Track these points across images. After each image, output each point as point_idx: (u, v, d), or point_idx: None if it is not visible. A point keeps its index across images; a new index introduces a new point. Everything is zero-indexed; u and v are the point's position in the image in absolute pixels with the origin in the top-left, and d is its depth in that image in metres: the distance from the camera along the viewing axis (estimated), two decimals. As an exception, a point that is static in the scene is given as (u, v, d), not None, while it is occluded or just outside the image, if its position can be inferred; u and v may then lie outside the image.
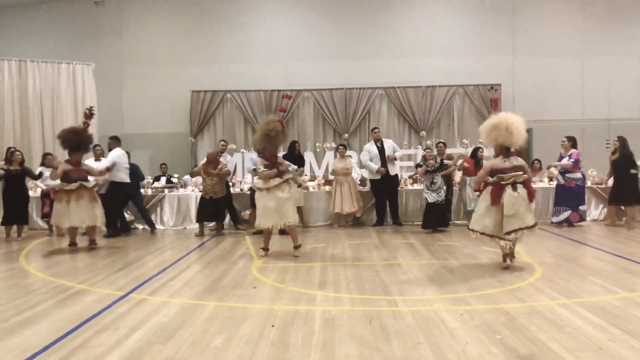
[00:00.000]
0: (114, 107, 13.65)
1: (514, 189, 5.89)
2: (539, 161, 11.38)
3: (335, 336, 3.80)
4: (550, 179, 10.42)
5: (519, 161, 6.07)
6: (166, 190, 10.57)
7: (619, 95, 13.34)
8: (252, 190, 9.36)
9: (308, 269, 6.24)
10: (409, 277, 5.65)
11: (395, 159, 10.03)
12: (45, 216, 9.68)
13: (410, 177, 10.71)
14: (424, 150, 9.65)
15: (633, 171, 9.29)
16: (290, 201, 6.88)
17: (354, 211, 9.91)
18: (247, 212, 9.85)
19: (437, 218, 8.96)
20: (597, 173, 10.68)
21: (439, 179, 8.91)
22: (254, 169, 8.02)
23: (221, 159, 9.70)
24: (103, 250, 7.98)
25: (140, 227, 10.18)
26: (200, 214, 9.37)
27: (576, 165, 9.33)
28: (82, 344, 3.75)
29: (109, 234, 9.15)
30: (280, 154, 7.85)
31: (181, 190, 10.72)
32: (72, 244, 7.98)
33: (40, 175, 9.63)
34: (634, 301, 4.55)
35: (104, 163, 9.08)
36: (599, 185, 10.28)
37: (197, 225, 9.56)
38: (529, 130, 13.27)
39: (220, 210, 9.45)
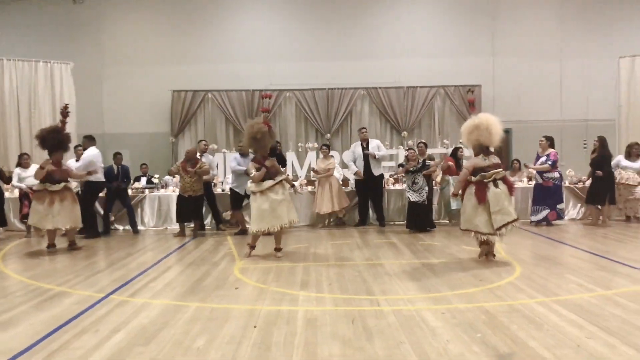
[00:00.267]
0: (94, 107, 13.49)
1: (496, 185, 6.24)
2: (519, 161, 11.54)
3: (318, 336, 3.81)
4: (530, 179, 10.56)
5: (497, 159, 6.41)
6: (147, 191, 10.47)
7: (596, 96, 13.58)
8: (232, 191, 9.34)
9: (290, 269, 6.24)
10: (391, 277, 5.68)
11: (375, 156, 9.88)
12: (25, 217, 9.44)
13: (390, 176, 10.76)
14: (407, 150, 9.68)
15: (599, 172, 9.43)
16: (284, 203, 6.87)
17: (335, 211, 9.92)
18: (228, 212, 9.82)
19: (419, 217, 9.03)
20: (575, 173, 10.86)
21: (420, 179, 8.99)
22: (245, 172, 8.01)
23: (203, 159, 9.65)
24: (83, 251, 7.87)
25: (121, 228, 10.08)
26: (180, 213, 9.30)
27: (554, 166, 9.47)
28: (62, 346, 3.71)
29: (88, 235, 9.04)
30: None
31: (162, 190, 10.62)
32: (51, 245, 7.84)
33: (10, 179, 9.43)
34: (610, 299, 4.64)
35: (79, 162, 8.93)
36: (577, 185, 10.45)
37: (178, 226, 9.48)
38: (508, 131, 13.58)
39: (199, 208, 9.37)
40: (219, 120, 13.79)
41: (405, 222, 9.37)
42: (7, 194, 9.71)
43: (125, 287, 5.46)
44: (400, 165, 9.43)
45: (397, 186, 10.51)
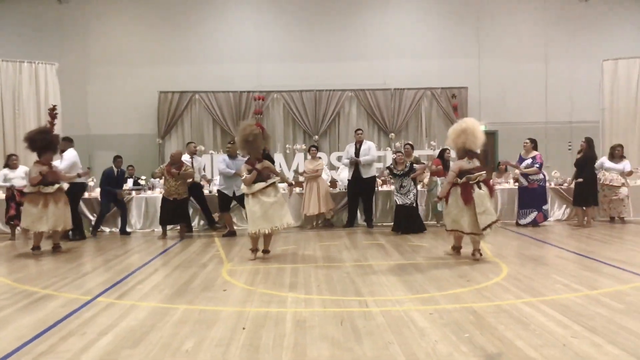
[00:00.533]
0: (79, 108, 13.37)
1: (479, 187, 6.55)
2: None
3: (307, 337, 3.82)
4: (516, 180, 10.64)
5: (477, 162, 6.75)
6: (133, 193, 10.39)
7: (581, 98, 13.78)
8: (220, 193, 9.30)
9: (279, 271, 6.24)
10: (380, 278, 5.70)
11: (359, 162, 9.74)
12: (11, 219, 9.30)
13: (377, 177, 10.78)
14: (395, 153, 9.69)
15: (579, 180, 9.58)
16: (276, 205, 6.84)
17: (322, 213, 9.93)
18: (216, 214, 9.78)
19: (406, 220, 9.06)
20: (560, 174, 10.98)
21: (408, 182, 9.04)
22: (236, 174, 7.98)
23: (193, 161, 9.60)
24: (68, 254, 7.80)
25: (107, 230, 10.00)
26: (163, 216, 9.22)
27: (540, 168, 9.61)
28: (48, 349, 3.67)
29: (75, 237, 8.95)
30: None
31: (149, 192, 10.55)
32: (36, 247, 7.75)
33: None
34: (595, 299, 4.70)
35: (63, 164, 8.75)
36: (562, 186, 10.56)
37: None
38: (494, 133, 13.71)
39: (185, 210, 9.30)
40: (206, 122, 13.75)
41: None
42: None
43: (112, 290, 5.42)
44: (388, 167, 9.44)
45: (385, 187, 10.55)
